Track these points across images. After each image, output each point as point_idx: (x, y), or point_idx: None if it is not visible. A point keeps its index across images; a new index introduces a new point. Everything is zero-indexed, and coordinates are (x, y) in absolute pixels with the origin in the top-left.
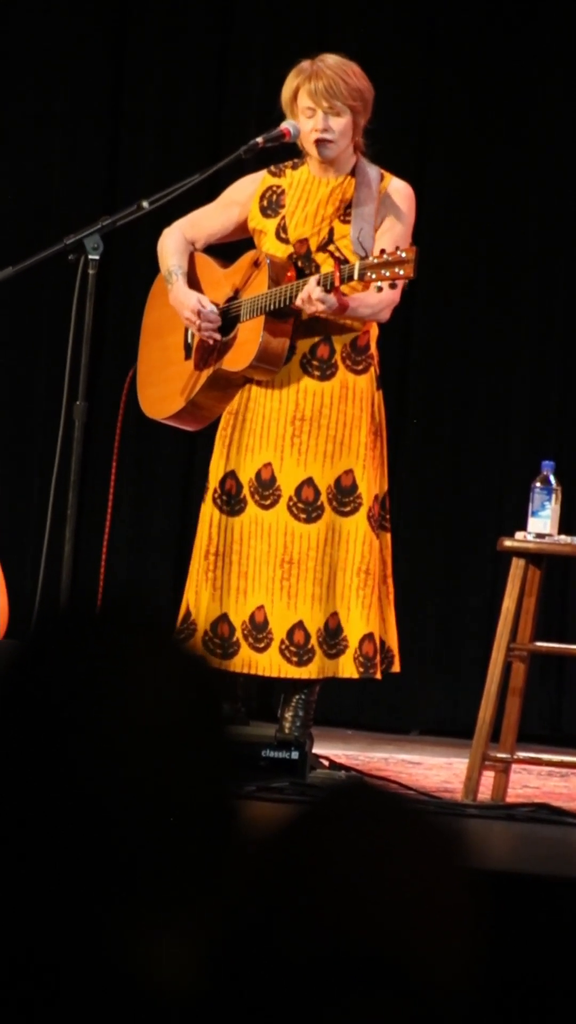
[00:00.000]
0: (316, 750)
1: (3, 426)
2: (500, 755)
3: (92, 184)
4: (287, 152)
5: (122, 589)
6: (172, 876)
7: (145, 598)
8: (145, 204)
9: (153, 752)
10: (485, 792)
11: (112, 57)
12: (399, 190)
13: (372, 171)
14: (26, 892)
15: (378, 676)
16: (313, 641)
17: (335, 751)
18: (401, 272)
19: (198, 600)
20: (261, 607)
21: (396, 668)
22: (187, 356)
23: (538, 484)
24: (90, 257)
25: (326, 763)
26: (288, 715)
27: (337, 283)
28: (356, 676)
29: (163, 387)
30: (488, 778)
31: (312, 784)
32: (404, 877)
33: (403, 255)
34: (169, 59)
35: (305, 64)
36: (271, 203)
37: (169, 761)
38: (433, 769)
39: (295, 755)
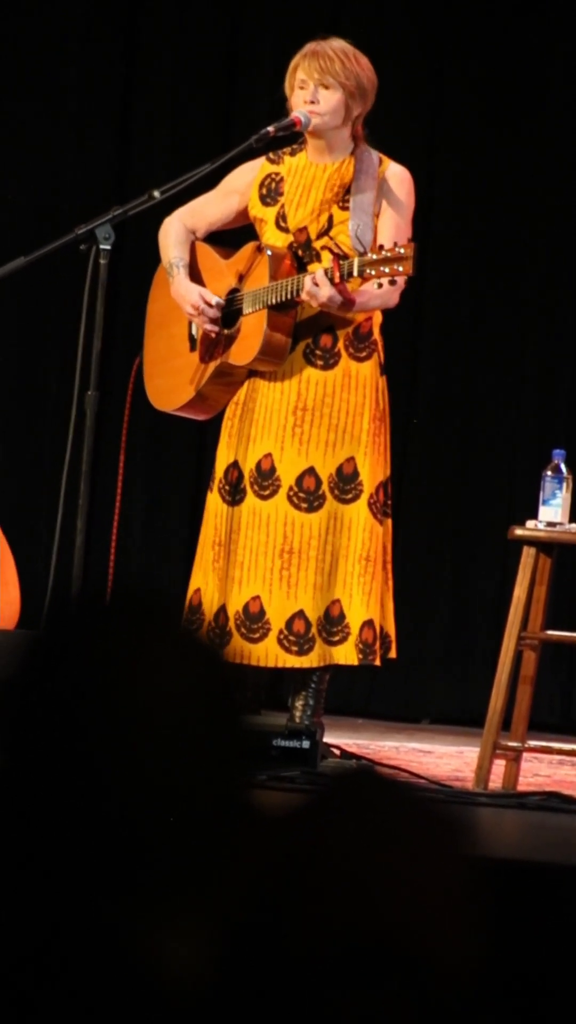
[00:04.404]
0: (327, 739)
1: (15, 416)
2: (511, 744)
3: (103, 174)
4: (294, 141)
5: (135, 579)
6: (182, 866)
7: (158, 589)
8: (156, 193)
9: (165, 742)
10: (496, 781)
11: (123, 47)
12: (397, 175)
13: (372, 156)
14: (37, 882)
15: (377, 663)
16: (314, 630)
17: (346, 740)
18: (400, 269)
19: (207, 590)
20: (256, 597)
21: (393, 654)
22: (192, 348)
23: (549, 472)
24: (101, 247)
25: (337, 752)
26: (299, 704)
27: (336, 279)
28: (356, 663)
29: (170, 378)
30: (499, 767)
31: (323, 773)
32: (411, 866)
33: (401, 251)
34: (180, 48)
35: (310, 44)
36: (270, 191)
37: (181, 750)
38: (444, 758)
39: (306, 744)
